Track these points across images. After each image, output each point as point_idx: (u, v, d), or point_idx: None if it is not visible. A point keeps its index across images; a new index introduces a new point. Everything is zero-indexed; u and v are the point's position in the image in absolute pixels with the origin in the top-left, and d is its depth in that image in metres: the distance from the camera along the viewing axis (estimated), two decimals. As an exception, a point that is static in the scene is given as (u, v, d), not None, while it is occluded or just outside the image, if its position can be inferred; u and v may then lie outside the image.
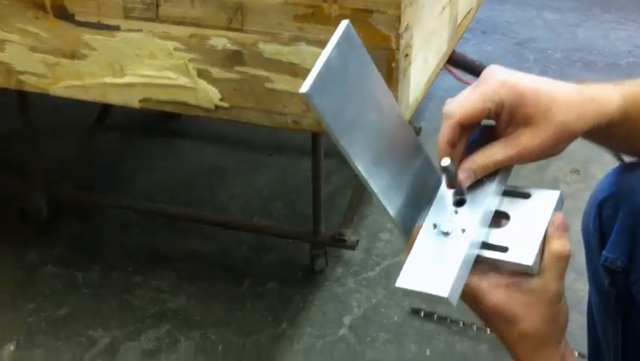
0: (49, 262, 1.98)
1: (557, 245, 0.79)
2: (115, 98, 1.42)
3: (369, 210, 2.09)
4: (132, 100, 1.40)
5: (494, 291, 0.80)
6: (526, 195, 0.83)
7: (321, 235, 1.85)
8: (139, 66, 1.36)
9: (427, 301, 0.83)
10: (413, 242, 0.82)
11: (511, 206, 0.83)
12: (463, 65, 1.97)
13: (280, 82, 1.30)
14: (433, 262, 0.79)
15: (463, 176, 0.81)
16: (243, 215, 2.11)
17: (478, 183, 0.82)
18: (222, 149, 2.37)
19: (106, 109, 2.22)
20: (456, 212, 0.82)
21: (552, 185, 2.18)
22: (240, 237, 2.01)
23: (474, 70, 2.02)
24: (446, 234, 0.81)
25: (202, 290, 1.89)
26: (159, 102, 1.39)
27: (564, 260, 0.79)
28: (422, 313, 1.77)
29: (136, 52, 1.36)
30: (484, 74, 0.81)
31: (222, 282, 1.91)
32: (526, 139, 0.78)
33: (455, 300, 0.78)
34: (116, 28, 1.36)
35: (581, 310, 1.18)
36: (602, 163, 2.27)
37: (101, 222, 2.11)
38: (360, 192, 1.96)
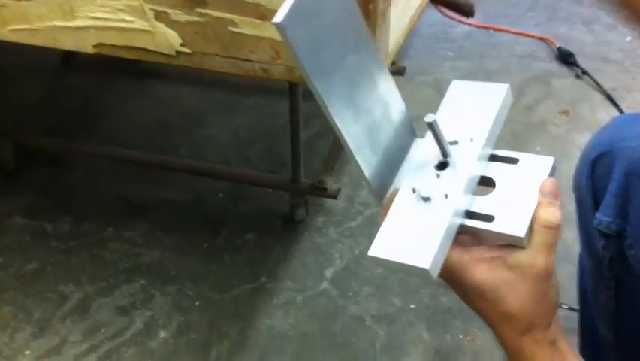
0: (16, 214, 1.84)
1: (547, 214, 0.69)
2: (67, 43, 1.25)
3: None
4: (85, 45, 1.24)
5: (476, 266, 0.70)
6: (515, 161, 0.74)
7: (300, 183, 1.71)
8: (91, 7, 1.19)
9: (403, 272, 0.72)
10: (389, 207, 0.72)
11: (498, 172, 0.74)
12: (448, 3, 1.80)
13: (246, 25, 1.14)
14: (412, 230, 0.70)
15: None
16: (219, 160, 1.96)
17: (462, 146, 0.74)
18: (198, 89, 2.20)
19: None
20: (438, 176, 0.73)
21: (540, 126, 2.03)
22: (217, 184, 1.86)
23: (461, 9, 1.85)
24: (427, 199, 0.71)
25: (177, 242, 1.76)
26: (114, 47, 1.23)
27: (555, 231, 0.69)
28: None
29: (86, -7, 1.19)
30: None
31: (199, 233, 1.77)
32: None
33: (436, 273, 0.68)
34: (64, -35, 1.19)
35: (570, 260, 1.06)
36: (592, 102, 2.14)
37: (71, 169, 1.96)
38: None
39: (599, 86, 2.18)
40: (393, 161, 0.76)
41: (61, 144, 1.93)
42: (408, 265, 0.68)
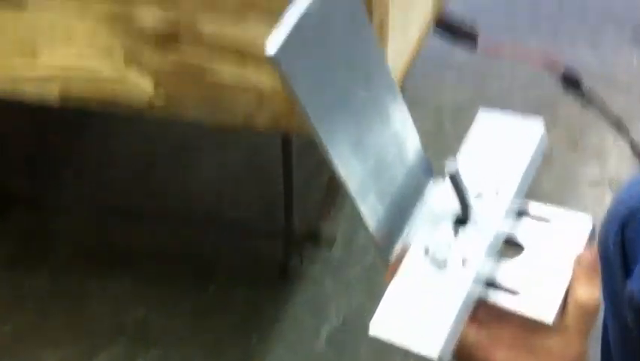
0: (-6, 266, 1.70)
1: (584, 293, 0.58)
2: (29, 93, 1.10)
3: (348, 197, 1.79)
4: (49, 95, 1.10)
5: (495, 348, 0.59)
6: (548, 219, 0.62)
7: (294, 231, 1.57)
8: (55, 53, 1.05)
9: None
10: (396, 267, 0.61)
11: (526, 232, 0.62)
12: (450, 29, 1.67)
13: (225, 72, 1.00)
14: (421, 305, 0.58)
15: None
16: (209, 203, 1.81)
17: (486, 199, 0.62)
18: (188, 124, 2.05)
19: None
20: (456, 234, 0.61)
21: (546, 157, 1.88)
22: (207, 232, 1.72)
23: (464, 36, 1.71)
24: (441, 264, 0.59)
25: (163, 299, 1.60)
26: (81, 98, 1.08)
27: (592, 313, 0.58)
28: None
29: (50, 35, 1.05)
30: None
31: (186, 287, 1.62)
32: None
33: (447, 358, 0.57)
34: (24, 2, 1.04)
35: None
36: (600, 131, 2.00)
37: (54, 214, 1.80)
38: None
39: (606, 113, 2.05)
40: (403, 209, 0.63)
41: (44, 188, 1.79)
42: (413, 351, 0.56)
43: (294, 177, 1.54)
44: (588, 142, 1.97)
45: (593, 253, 0.60)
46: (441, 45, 2.29)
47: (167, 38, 1.01)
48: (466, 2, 2.49)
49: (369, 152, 0.59)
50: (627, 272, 0.83)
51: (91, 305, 1.60)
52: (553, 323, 0.57)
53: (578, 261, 0.59)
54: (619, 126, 2.02)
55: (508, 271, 0.60)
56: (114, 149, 1.98)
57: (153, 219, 1.74)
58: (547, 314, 0.57)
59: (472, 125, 0.68)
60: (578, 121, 2.02)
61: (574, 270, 0.59)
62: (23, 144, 1.84)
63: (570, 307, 0.58)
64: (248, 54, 0.98)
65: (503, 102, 2.06)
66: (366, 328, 1.57)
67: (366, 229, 0.60)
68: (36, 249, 1.73)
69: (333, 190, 1.66)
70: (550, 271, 0.59)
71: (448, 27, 1.65)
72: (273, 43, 0.50)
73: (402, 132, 0.62)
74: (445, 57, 2.28)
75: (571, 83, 2.13)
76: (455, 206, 0.62)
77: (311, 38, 0.52)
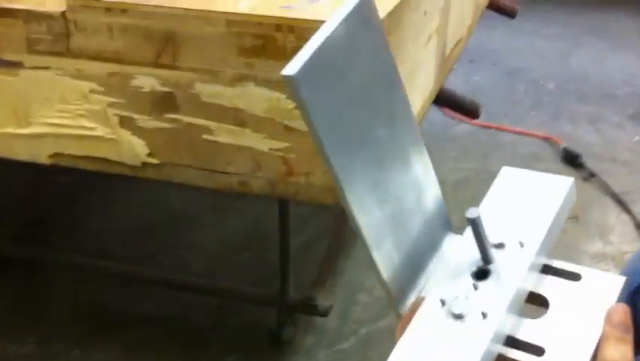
0: (-23, 333, 1.63)
1: (614, 354, 0.53)
2: (20, 152, 1.07)
3: (346, 264, 1.74)
4: (41, 155, 1.06)
5: None
6: (576, 276, 0.57)
7: (288, 299, 1.51)
8: (47, 112, 1.02)
9: None
10: (410, 317, 0.56)
11: (552, 289, 0.57)
12: (452, 104, 1.65)
13: (222, 133, 0.96)
14: (436, 357, 0.53)
15: None
16: (204, 269, 1.76)
17: (509, 251, 0.57)
18: (186, 191, 2.00)
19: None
20: (475, 287, 0.56)
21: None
22: (199, 298, 1.66)
23: (466, 110, 1.70)
24: (459, 317, 0.54)
25: (151, 367, 1.54)
26: (73, 158, 1.05)
27: None
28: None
29: (43, 95, 1.02)
30: None
31: (177, 354, 1.56)
32: None
33: None
34: (19, 65, 1.01)
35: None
36: (603, 207, 1.96)
37: (46, 277, 1.74)
38: (335, 246, 1.62)
39: (609, 189, 2.02)
40: (419, 259, 0.59)
41: (36, 252, 1.74)
42: None
43: (291, 245, 1.49)
44: (591, 217, 1.93)
45: (626, 312, 0.55)
46: (442, 119, 2.28)
47: (163, 101, 0.98)
48: (467, 81, 2.50)
49: (387, 195, 0.56)
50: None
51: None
52: None
53: (608, 319, 0.54)
54: (621, 201, 1.98)
55: (531, 329, 0.55)
56: (112, 214, 1.94)
57: (147, 284, 1.69)
58: None
59: (496, 179, 0.64)
60: (580, 195, 1.97)
61: (604, 328, 0.54)
62: (20, 207, 1.79)
63: None
64: (246, 116, 0.95)
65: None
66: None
67: (379, 278, 0.56)
68: (25, 314, 1.66)
69: (330, 259, 1.61)
70: (578, 329, 0.54)
71: (449, 101, 1.63)
72: (294, 64, 0.48)
73: (422, 178, 0.59)
74: (447, 130, 2.27)
75: (572, 157, 2.11)
76: (475, 259, 0.58)
77: (333, 65, 0.50)
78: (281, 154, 0.96)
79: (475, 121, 2.20)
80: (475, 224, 0.55)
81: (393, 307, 0.58)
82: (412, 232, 0.59)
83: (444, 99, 1.59)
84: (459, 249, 0.60)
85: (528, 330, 0.55)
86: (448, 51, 1.36)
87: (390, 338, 1.61)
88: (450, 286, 0.57)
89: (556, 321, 0.55)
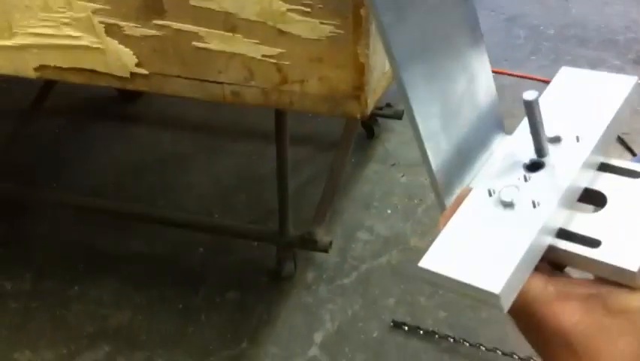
0: (-27, 269, 1.59)
1: None
2: (5, 66, 1.01)
3: (345, 204, 1.69)
4: (26, 68, 1.00)
5: (565, 303, 0.49)
6: (634, 174, 0.53)
7: (288, 235, 1.46)
8: (31, 21, 0.96)
9: (467, 297, 0.49)
10: (455, 208, 0.53)
11: (609, 185, 0.53)
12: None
13: (213, 39, 0.90)
14: (483, 242, 0.50)
15: None
16: (200, 210, 1.71)
17: (565, 144, 0.54)
18: (181, 134, 1.96)
19: (47, 87, 1.81)
20: (527, 179, 0.53)
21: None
22: (196, 237, 1.61)
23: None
24: (508, 205, 0.51)
25: (149, 302, 1.50)
26: (59, 70, 0.99)
27: None
28: (406, 328, 1.39)
29: (26, 2, 0.95)
30: None
31: (174, 291, 1.51)
32: None
33: (508, 303, 0.48)
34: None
35: None
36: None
37: (36, 218, 1.71)
38: (334, 183, 1.57)
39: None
40: (469, 154, 0.56)
41: (26, 191, 1.68)
42: (471, 287, 0.48)
43: (289, 185, 1.44)
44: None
45: None
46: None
47: (150, 6, 0.91)
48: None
49: (443, 88, 0.54)
50: None
51: (73, 309, 1.49)
52: (639, 272, 0.48)
53: None
54: (623, 141, 1.93)
55: (587, 223, 0.51)
56: (101, 157, 1.89)
57: (139, 223, 1.64)
58: (631, 262, 0.48)
59: (554, 78, 0.60)
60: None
61: None
62: (8, 147, 1.74)
63: None
64: (237, 20, 0.88)
65: (505, 120, 1.96)
66: (361, 335, 1.47)
67: (427, 168, 0.54)
68: (19, 253, 1.63)
69: (329, 196, 1.56)
70: (635, 222, 0.50)
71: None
72: None
73: (479, 77, 0.56)
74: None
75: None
76: (528, 153, 0.54)
77: None
78: (274, 61, 0.90)
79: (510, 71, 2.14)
80: (532, 106, 0.51)
81: (439, 199, 0.55)
82: (464, 126, 0.56)
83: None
84: (511, 145, 0.56)
85: (583, 224, 0.52)
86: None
87: (391, 274, 1.55)
88: (500, 178, 0.54)
89: (614, 216, 0.51)
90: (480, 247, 0.50)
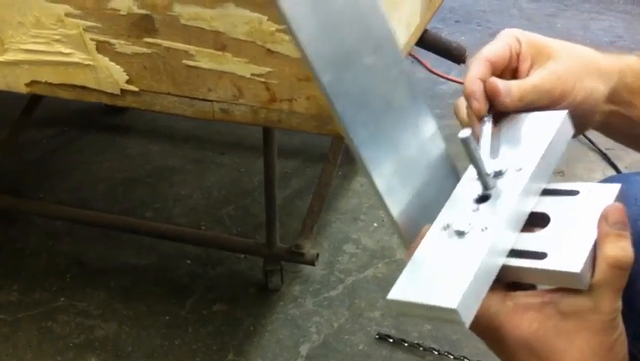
0: (-39, 280, 1.59)
1: (615, 249, 0.54)
2: (-5, 80, 1.03)
3: (332, 217, 1.71)
4: (17, 83, 1.02)
5: (522, 314, 0.55)
6: (574, 193, 0.59)
7: (275, 248, 1.48)
8: (22, 38, 0.98)
9: (433, 319, 0.57)
10: (417, 246, 0.59)
11: (552, 206, 0.59)
12: (437, 47, 1.59)
13: (202, 57, 0.92)
14: (440, 268, 0.56)
15: (505, 90, 0.62)
16: (188, 222, 1.72)
17: (508, 176, 0.60)
18: (170, 146, 1.97)
19: (36, 97, 1.82)
20: (476, 210, 0.59)
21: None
22: (184, 249, 1.62)
23: (450, 53, 1.64)
24: (461, 234, 0.58)
25: (136, 314, 1.50)
26: (50, 86, 1.00)
27: (623, 270, 0.54)
28: (391, 340, 1.40)
29: (18, 19, 0.97)
30: (500, 33, 0.68)
31: (161, 303, 1.52)
32: (553, 66, 0.65)
33: (468, 317, 0.53)
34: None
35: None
36: (588, 163, 1.93)
37: (25, 229, 1.71)
38: (321, 196, 1.58)
39: (594, 145, 1.99)
40: (428, 198, 0.62)
41: (14, 202, 1.69)
42: (433, 307, 0.53)
43: (277, 198, 1.45)
44: (576, 172, 1.90)
45: (621, 210, 0.55)
46: (428, 77, 2.24)
47: (141, 24, 0.93)
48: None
49: (392, 144, 0.59)
50: None
51: (60, 320, 1.49)
52: (582, 273, 0.53)
53: (605, 219, 0.55)
54: (606, 157, 1.96)
55: (533, 239, 0.57)
56: (91, 169, 1.91)
57: (127, 235, 1.65)
58: (575, 265, 0.53)
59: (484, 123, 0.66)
60: (565, 151, 1.95)
61: (602, 228, 0.55)
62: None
63: (600, 264, 0.53)
64: (227, 40, 0.90)
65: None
66: (347, 347, 1.48)
67: (389, 218, 0.60)
68: (6, 264, 1.63)
69: (315, 209, 1.57)
70: (576, 234, 0.56)
71: (434, 44, 1.58)
72: None
73: (423, 129, 0.62)
74: (432, 88, 2.23)
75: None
76: (477, 189, 0.60)
77: None
78: (263, 80, 0.92)
79: (460, 79, 2.16)
80: (467, 143, 0.57)
81: (403, 241, 0.61)
82: (419, 176, 0.61)
83: (429, 42, 1.54)
84: (462, 186, 0.62)
85: (530, 241, 0.57)
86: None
87: (377, 287, 1.58)
88: (454, 213, 0.60)
89: (557, 231, 0.57)
90: (437, 273, 0.56)
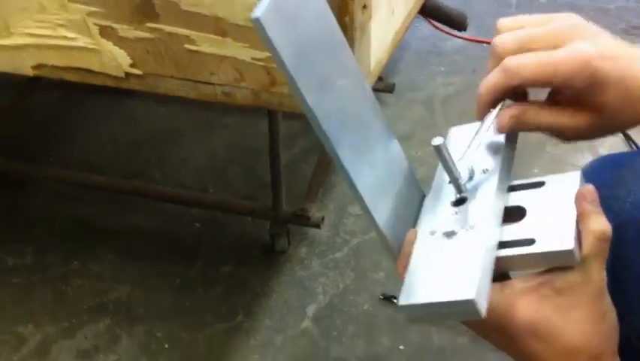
0: (-26, 244, 1.64)
1: (598, 224, 0.58)
2: (4, 64, 1.05)
3: (337, 179, 1.74)
4: (23, 66, 1.04)
5: (521, 299, 0.58)
6: (540, 184, 0.64)
7: (281, 211, 1.51)
8: (27, 23, 1.00)
9: (446, 318, 0.59)
10: (408, 253, 0.62)
11: (524, 199, 0.64)
12: (438, 16, 1.59)
13: (204, 42, 0.94)
14: (444, 266, 0.59)
15: (505, 120, 0.63)
16: (195, 184, 1.75)
17: (477, 178, 0.64)
18: (174, 108, 1.99)
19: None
20: (457, 212, 0.63)
21: (538, 146, 1.81)
22: (191, 211, 1.66)
23: (452, 22, 1.64)
24: (451, 234, 0.61)
25: (147, 275, 1.55)
26: (56, 69, 1.03)
27: (606, 241, 0.59)
28: (395, 301, 1.45)
29: (22, 4, 0.99)
30: (564, 28, 0.64)
31: (171, 265, 1.57)
32: (581, 120, 0.62)
33: (484, 306, 0.56)
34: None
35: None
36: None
37: (35, 193, 1.75)
38: (327, 159, 1.61)
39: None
40: (406, 209, 0.66)
41: (25, 166, 1.72)
42: (450, 303, 0.56)
43: (282, 160, 1.48)
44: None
45: (594, 191, 0.60)
46: (432, 33, 2.23)
47: (143, 9, 0.95)
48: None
49: (370, 159, 0.62)
50: None
51: (73, 283, 1.55)
52: (574, 249, 0.56)
53: (584, 199, 0.59)
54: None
55: (517, 229, 0.61)
56: (97, 132, 1.93)
57: (136, 198, 1.68)
58: (566, 242, 0.57)
59: (447, 137, 0.70)
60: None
61: (584, 206, 0.59)
62: (7, 125, 1.77)
63: (587, 238, 0.58)
64: (227, 25, 0.92)
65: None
66: (352, 307, 1.53)
67: (375, 229, 0.63)
68: (18, 228, 1.67)
69: (321, 172, 1.61)
70: (556, 217, 0.60)
71: (435, 12, 1.58)
72: (260, 6, 0.52)
73: (390, 146, 0.65)
74: (437, 45, 2.22)
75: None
76: (451, 193, 0.64)
77: (292, 12, 0.54)
78: (263, 64, 0.94)
79: (465, 35, 2.15)
80: (440, 150, 0.60)
81: (390, 249, 0.64)
82: (394, 189, 0.64)
83: (430, 10, 1.54)
84: (434, 193, 0.66)
85: (515, 232, 0.61)
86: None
87: (381, 248, 1.60)
88: (435, 219, 0.63)
89: (536, 218, 0.61)
90: (442, 272, 0.58)
